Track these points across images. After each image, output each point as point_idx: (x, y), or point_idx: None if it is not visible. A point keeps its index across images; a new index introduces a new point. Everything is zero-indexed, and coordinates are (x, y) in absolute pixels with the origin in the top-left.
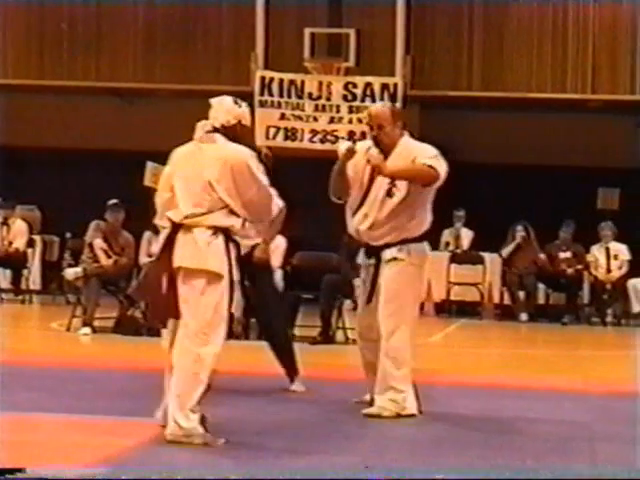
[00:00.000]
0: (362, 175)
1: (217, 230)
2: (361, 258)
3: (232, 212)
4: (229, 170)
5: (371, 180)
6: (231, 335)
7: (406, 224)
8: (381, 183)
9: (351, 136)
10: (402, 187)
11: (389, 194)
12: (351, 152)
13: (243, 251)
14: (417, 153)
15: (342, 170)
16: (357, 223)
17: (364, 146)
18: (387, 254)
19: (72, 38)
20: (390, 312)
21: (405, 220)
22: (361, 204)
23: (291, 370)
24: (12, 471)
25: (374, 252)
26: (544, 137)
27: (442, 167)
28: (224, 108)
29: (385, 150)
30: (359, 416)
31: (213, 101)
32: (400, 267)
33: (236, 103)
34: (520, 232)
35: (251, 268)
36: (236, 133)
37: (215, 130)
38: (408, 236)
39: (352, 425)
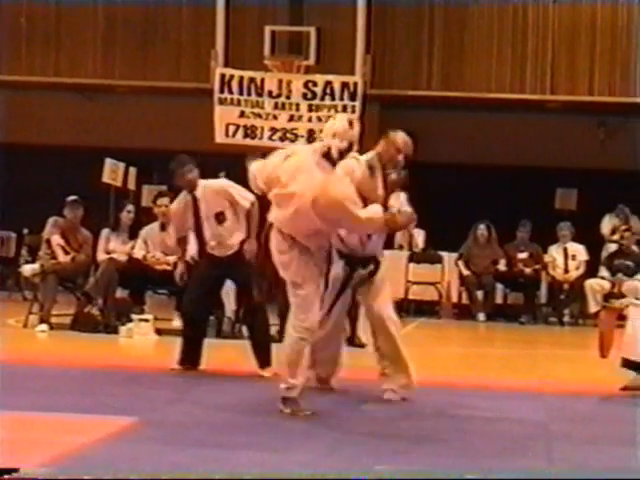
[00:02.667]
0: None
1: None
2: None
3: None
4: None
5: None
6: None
7: None
8: None
9: (310, 134)
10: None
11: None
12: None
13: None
14: None
15: None
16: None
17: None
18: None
19: (31, 33)
20: None
21: None
22: None
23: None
24: (6, 471)
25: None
26: (503, 137)
27: None
28: (342, 132)
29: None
30: (319, 413)
31: (332, 123)
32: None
33: (351, 124)
34: (482, 230)
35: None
36: (346, 153)
37: (329, 151)
38: None
39: (312, 422)
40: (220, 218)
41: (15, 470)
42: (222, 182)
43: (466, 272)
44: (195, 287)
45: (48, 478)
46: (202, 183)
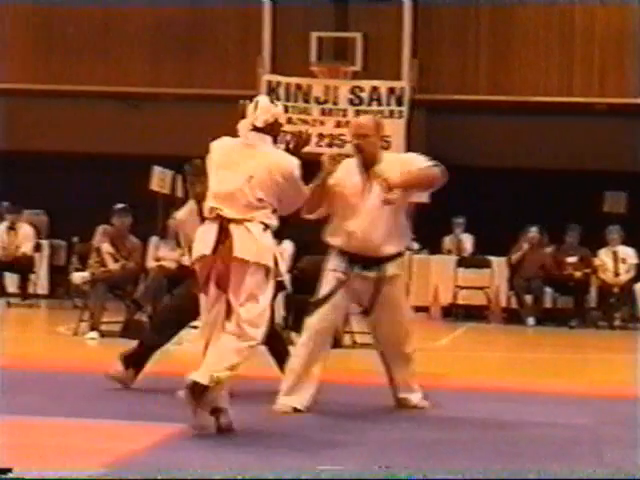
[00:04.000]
0: (353, 185)
1: (267, 227)
2: (340, 265)
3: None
4: (274, 174)
5: (364, 190)
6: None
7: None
8: (376, 192)
9: None
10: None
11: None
12: (336, 160)
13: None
14: (410, 161)
15: (324, 183)
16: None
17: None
18: (389, 269)
19: (79, 42)
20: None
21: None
22: (355, 215)
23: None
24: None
25: (374, 263)
26: (551, 141)
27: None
28: (264, 107)
29: (368, 161)
30: (358, 419)
31: (254, 101)
32: (400, 282)
33: (272, 102)
34: (534, 234)
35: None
36: (273, 131)
37: (256, 129)
38: (402, 248)
39: (352, 428)
40: None
41: (9, 470)
42: None
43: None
44: (180, 300)
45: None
46: None
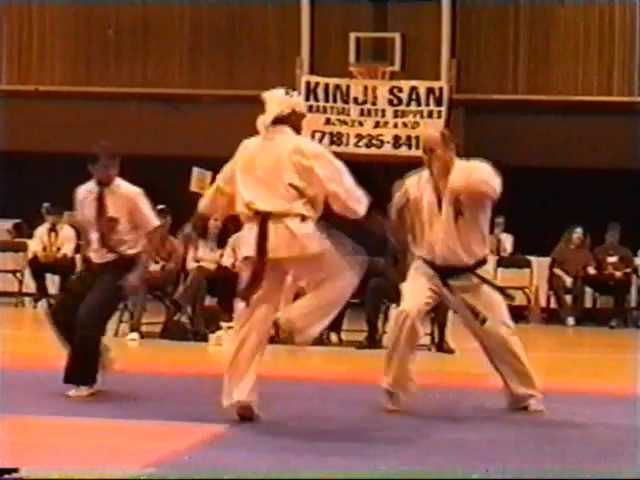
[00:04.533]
0: (427, 200)
1: (305, 218)
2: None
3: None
4: (301, 159)
5: (437, 203)
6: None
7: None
8: (448, 205)
9: (396, 140)
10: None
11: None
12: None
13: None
14: (473, 171)
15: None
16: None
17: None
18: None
19: (118, 45)
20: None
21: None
22: (432, 228)
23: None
24: (6, 471)
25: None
26: (590, 140)
27: (498, 183)
28: (277, 100)
29: (438, 173)
30: (407, 420)
31: (266, 95)
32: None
33: (287, 93)
34: (579, 234)
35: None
36: (292, 122)
37: (274, 122)
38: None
39: (399, 429)
40: (110, 224)
41: (15, 470)
42: (136, 191)
43: (567, 278)
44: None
45: (48, 478)
46: (117, 182)
